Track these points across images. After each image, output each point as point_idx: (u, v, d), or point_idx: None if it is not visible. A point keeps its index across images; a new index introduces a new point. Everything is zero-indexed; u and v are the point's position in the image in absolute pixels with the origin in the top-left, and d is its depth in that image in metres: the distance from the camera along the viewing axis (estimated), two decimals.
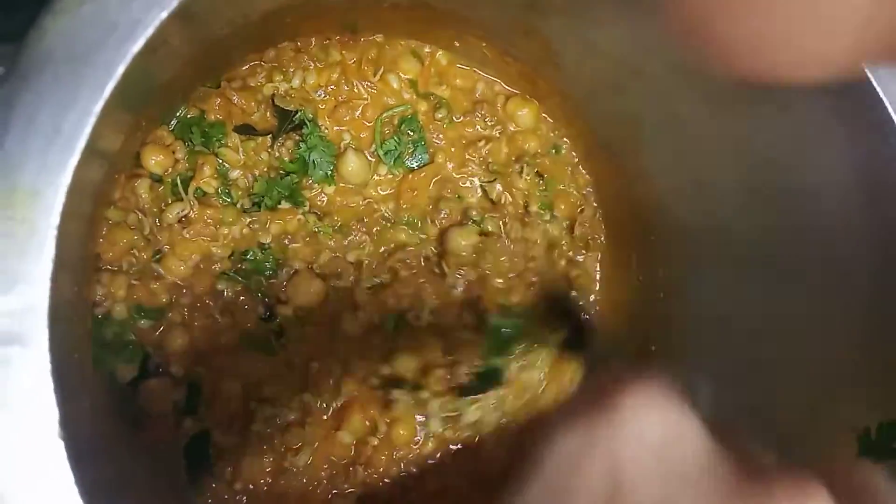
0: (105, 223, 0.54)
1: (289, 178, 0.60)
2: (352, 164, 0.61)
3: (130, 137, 0.51)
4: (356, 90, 0.63)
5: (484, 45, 0.61)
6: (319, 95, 0.62)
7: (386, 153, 0.62)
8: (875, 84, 0.38)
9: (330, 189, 0.61)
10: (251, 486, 0.57)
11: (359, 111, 0.63)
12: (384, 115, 0.63)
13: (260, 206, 0.59)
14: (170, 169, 0.56)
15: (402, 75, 0.63)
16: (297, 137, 0.60)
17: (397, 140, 0.63)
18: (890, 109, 0.38)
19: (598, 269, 0.68)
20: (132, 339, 0.56)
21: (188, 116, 0.57)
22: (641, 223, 0.63)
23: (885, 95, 0.38)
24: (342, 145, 0.62)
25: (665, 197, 0.60)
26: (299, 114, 0.60)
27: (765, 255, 0.50)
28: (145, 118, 0.53)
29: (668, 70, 0.49)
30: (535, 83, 0.64)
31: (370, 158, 0.62)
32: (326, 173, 0.60)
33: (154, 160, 0.55)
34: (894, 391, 0.39)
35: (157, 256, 0.56)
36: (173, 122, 0.57)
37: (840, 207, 0.42)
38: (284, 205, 0.60)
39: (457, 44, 0.63)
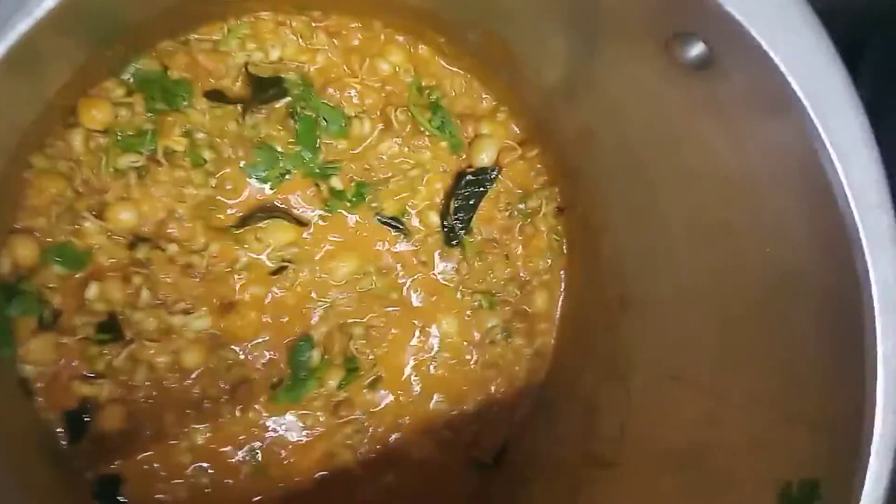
0: (29, 170, 0.48)
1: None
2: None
3: (74, 82, 0.46)
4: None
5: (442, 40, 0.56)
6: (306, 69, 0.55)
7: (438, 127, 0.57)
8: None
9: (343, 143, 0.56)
10: None
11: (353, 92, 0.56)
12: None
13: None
14: (109, 126, 0.50)
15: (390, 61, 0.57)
16: (280, 107, 0.54)
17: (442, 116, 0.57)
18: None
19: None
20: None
21: (149, 70, 0.50)
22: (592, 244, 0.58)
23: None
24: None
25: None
26: (286, 80, 0.53)
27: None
28: (94, 63, 0.46)
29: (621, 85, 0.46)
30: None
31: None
32: (340, 126, 0.55)
33: (92, 113, 0.48)
34: (822, 447, 0.36)
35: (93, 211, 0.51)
36: (129, 74, 0.50)
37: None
38: None
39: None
